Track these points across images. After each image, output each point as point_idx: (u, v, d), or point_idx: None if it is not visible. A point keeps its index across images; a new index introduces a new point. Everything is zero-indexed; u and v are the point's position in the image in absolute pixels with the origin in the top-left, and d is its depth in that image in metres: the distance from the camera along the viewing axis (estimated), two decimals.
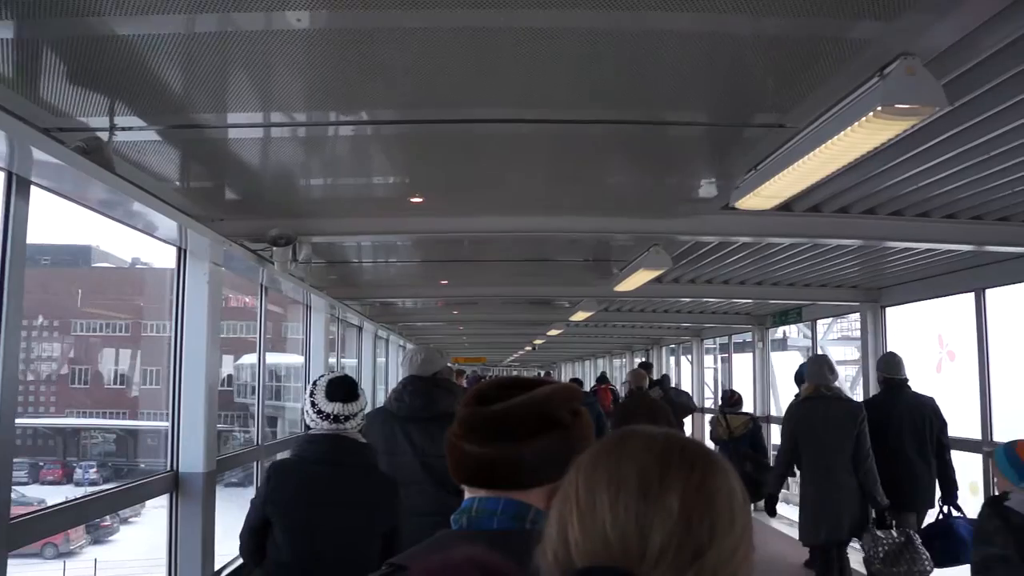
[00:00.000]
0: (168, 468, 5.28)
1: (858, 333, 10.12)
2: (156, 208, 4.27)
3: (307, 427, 3.46)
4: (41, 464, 43.52)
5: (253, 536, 3.38)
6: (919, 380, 6.68)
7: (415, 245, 7.07)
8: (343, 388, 3.39)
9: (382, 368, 16.27)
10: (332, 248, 7.17)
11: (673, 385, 14.29)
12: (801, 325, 13.08)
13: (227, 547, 5.26)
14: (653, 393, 10.15)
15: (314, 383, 3.45)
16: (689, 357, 17.24)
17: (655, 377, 12.51)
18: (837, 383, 6.39)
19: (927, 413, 6.38)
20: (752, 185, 4.32)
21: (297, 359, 9.83)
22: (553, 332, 14.94)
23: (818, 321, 11.81)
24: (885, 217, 5.61)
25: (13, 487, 3.26)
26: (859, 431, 6.03)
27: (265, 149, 4.65)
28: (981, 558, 3.55)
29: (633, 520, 0.94)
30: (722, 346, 16.13)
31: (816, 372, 6.41)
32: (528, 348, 22.52)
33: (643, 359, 17.77)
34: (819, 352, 11.43)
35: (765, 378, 12.93)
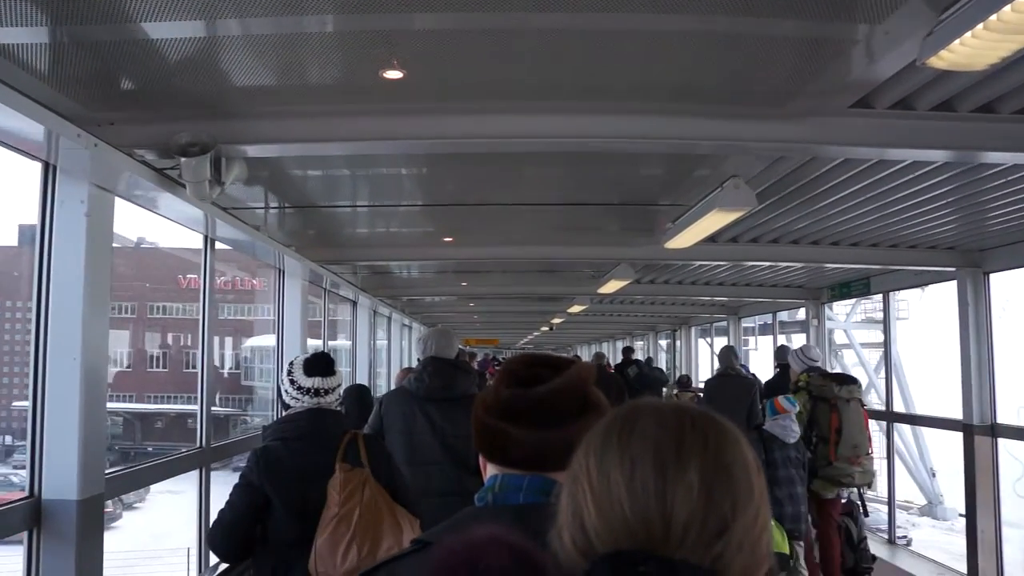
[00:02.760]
0: (28, 494, 3.48)
1: (881, 315, 9.92)
2: (10, 103, 2.87)
3: (285, 407, 3.39)
4: None
5: (249, 521, 3.22)
6: None
7: (405, 166, 5.11)
8: (321, 362, 3.37)
9: (383, 351, 14.53)
10: (292, 181, 5.23)
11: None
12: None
13: None
14: (631, 371, 12.85)
15: (290, 363, 3.42)
16: (724, 339, 15.39)
17: (640, 358, 15.07)
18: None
19: None
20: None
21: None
22: (575, 308, 13.02)
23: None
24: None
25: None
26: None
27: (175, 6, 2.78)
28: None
29: (652, 499, 0.90)
30: (762, 327, 14.32)
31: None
32: (545, 328, 20.97)
33: (627, 344, 18.06)
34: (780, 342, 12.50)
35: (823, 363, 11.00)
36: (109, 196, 3.71)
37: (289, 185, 5.34)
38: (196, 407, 5.42)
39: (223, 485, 4.70)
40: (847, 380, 6.49)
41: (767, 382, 8.42)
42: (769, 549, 0.95)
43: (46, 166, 3.54)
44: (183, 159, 3.42)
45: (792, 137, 3.73)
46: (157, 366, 46.55)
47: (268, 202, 5.66)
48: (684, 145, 3.91)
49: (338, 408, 3.44)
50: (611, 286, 9.44)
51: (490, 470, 1.53)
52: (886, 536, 8.81)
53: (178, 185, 3.78)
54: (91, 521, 3.55)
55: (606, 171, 5.07)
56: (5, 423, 38.84)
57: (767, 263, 8.11)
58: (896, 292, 9.75)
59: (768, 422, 5.79)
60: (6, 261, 42.36)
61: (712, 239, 6.53)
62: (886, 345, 9.13)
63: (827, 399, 6.26)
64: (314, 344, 8.31)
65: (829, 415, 6.20)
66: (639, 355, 20.94)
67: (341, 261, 8.08)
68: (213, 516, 3.38)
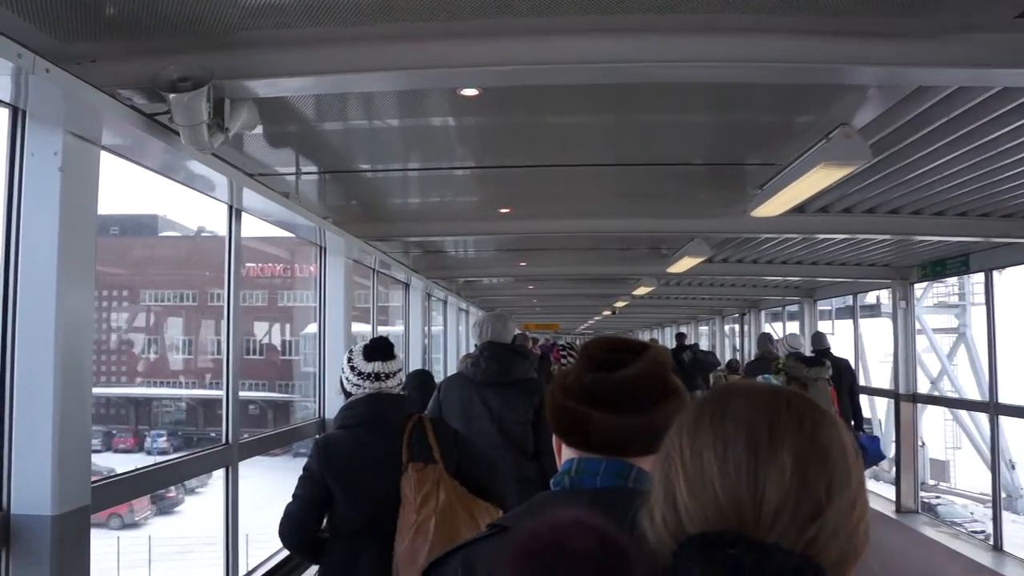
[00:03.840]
0: None
1: (956, 299, 8.98)
2: None
3: (347, 395, 3.35)
4: (114, 432, 43.65)
5: (315, 512, 3.20)
6: None
7: (454, 114, 4.28)
8: (381, 347, 3.35)
9: (439, 338, 14.04)
10: (325, 139, 4.52)
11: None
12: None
13: None
14: (686, 356, 13.38)
15: (350, 350, 3.41)
16: (797, 323, 14.42)
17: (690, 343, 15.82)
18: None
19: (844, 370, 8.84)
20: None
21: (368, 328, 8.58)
22: (641, 290, 12.13)
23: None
24: None
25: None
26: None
27: None
28: None
29: (745, 480, 0.89)
30: (839, 310, 13.36)
31: (762, 343, 10.21)
32: (607, 312, 20.00)
33: (681, 331, 18.52)
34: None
35: (910, 350, 10.05)
36: (91, 148, 3.04)
37: (322, 145, 4.64)
38: (255, 393, 4.87)
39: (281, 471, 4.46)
40: (815, 363, 7.55)
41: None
42: (867, 538, 0.92)
43: (14, 112, 2.89)
44: (172, 96, 2.73)
45: (937, 59, 2.89)
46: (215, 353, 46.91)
47: (299, 166, 4.99)
48: (794, 72, 3.07)
49: (400, 393, 3.39)
50: (682, 264, 8.58)
51: (566, 453, 1.51)
52: (991, 542, 7.86)
53: (169, 131, 3.09)
54: (72, 538, 2.91)
55: (687, 118, 4.27)
56: None
57: (860, 236, 7.14)
58: (999, 270, 8.74)
59: None
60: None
61: (800, 209, 5.71)
62: (989, 331, 8.14)
63: (798, 379, 7.17)
64: (361, 330, 7.70)
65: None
66: (703, 342, 20.40)
67: (388, 237, 7.31)
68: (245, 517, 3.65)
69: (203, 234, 49.54)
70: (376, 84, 3.28)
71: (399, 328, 10.79)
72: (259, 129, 3.89)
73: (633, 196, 6.22)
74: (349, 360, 3.36)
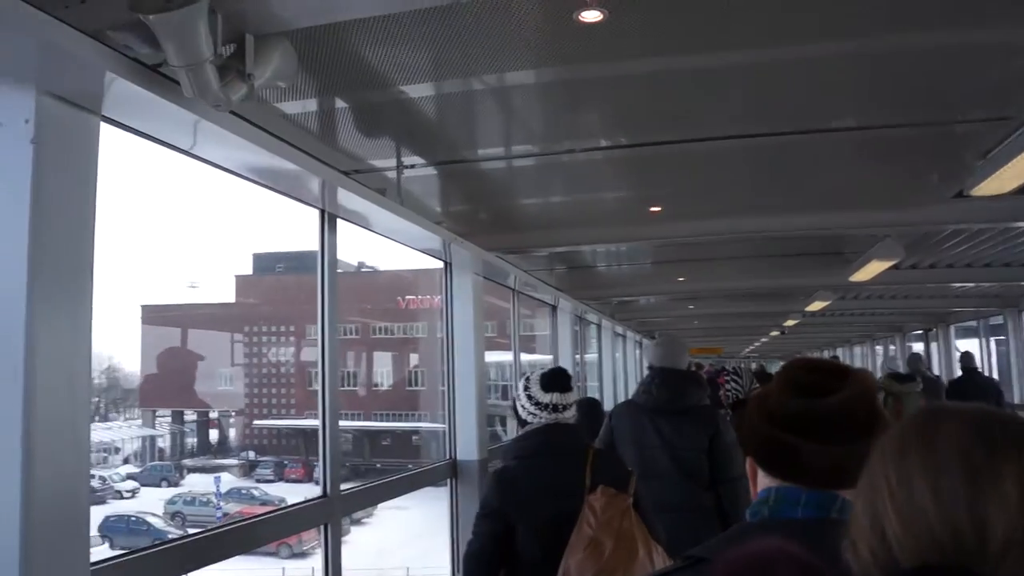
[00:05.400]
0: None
1: None
2: None
3: (522, 423, 3.31)
4: (285, 463, 45.00)
5: (495, 548, 3.12)
6: None
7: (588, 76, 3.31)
8: (559, 377, 3.32)
9: (593, 366, 13.18)
10: (426, 121, 3.65)
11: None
12: None
13: None
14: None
15: (526, 378, 3.38)
16: (1000, 338, 12.63)
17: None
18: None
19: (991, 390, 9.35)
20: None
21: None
22: (815, 306, 10.79)
23: None
24: None
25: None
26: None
27: None
28: None
29: (963, 508, 0.83)
30: None
31: (913, 363, 9.38)
32: (775, 333, 18.73)
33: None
34: None
35: None
36: (84, 117, 2.26)
37: (424, 127, 3.79)
38: (420, 424, 4.36)
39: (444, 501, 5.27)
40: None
41: (951, 383, 9.85)
42: None
43: None
44: (154, 17, 1.89)
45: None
46: (382, 384, 47.57)
47: (401, 158, 4.17)
48: None
49: (575, 423, 3.34)
50: (868, 271, 7.33)
51: (762, 481, 1.45)
52: None
53: (168, 80, 2.24)
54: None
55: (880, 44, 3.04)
56: None
57: None
58: None
59: None
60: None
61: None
62: None
63: (893, 394, 7.18)
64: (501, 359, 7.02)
65: (894, 406, 6.92)
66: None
67: (522, 248, 6.38)
68: None
69: (363, 269, 50.62)
70: None
71: (544, 357, 9.96)
72: (340, 103, 3.09)
73: (807, 180, 5.04)
74: (526, 389, 3.32)
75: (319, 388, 4.05)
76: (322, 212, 4.07)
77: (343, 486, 4.02)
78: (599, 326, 13.18)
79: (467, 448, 5.71)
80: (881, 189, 5.23)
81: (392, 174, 4.31)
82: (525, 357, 8.80)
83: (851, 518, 0.93)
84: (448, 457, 5.72)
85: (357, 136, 3.85)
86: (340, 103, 3.46)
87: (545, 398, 3.25)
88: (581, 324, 11.70)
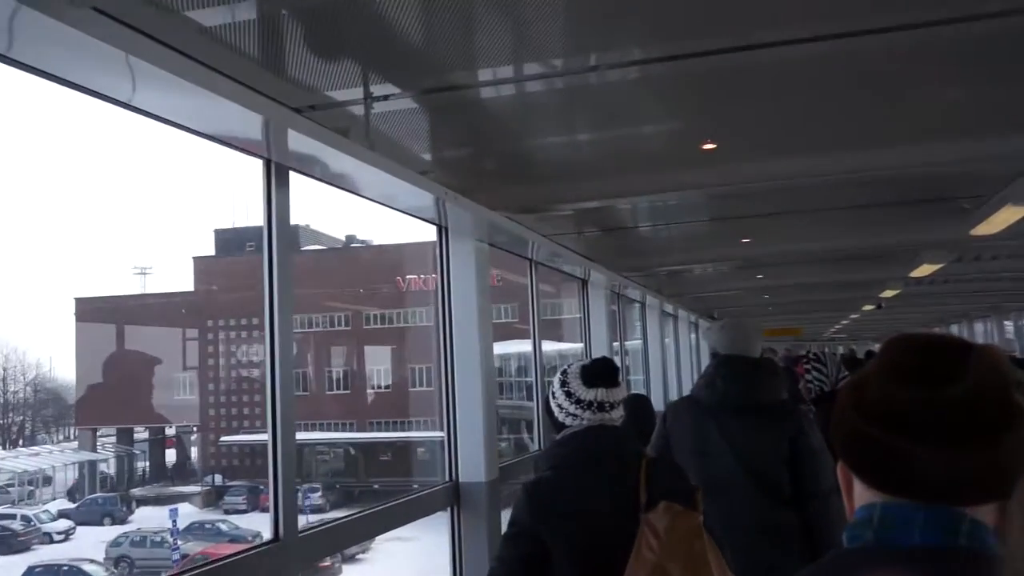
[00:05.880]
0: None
1: None
2: None
3: (559, 427, 3.35)
4: (262, 488, 45.50)
5: (528, 570, 3.14)
6: None
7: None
8: (605, 370, 3.35)
9: (636, 354, 13.60)
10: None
11: None
12: None
13: None
14: None
15: (563, 371, 3.40)
16: None
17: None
18: None
19: None
20: None
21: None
22: (924, 270, 10.94)
23: None
24: None
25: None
26: None
27: None
28: None
29: None
30: None
31: None
32: (868, 307, 19.17)
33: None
34: None
35: None
36: None
37: (401, 42, 3.62)
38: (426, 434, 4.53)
39: None
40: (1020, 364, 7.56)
41: None
42: None
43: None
44: None
45: None
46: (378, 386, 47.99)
47: (369, 86, 4.05)
48: None
49: (622, 426, 3.39)
50: (1000, 219, 7.22)
51: (861, 494, 1.43)
52: None
53: None
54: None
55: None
56: None
57: None
58: None
59: None
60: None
61: None
62: None
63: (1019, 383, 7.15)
64: (517, 350, 6.97)
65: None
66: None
67: (539, 207, 6.40)
68: None
69: (353, 244, 50.88)
70: None
71: (574, 345, 10.02)
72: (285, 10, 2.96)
73: (914, 99, 4.80)
74: (564, 384, 3.34)
75: (267, 395, 3.92)
76: (267, 162, 3.95)
77: (318, 518, 3.88)
78: (643, 304, 13.43)
79: (472, 467, 5.66)
80: (1019, 107, 4.90)
81: (358, 108, 4.15)
82: (548, 346, 8.73)
83: (1010, 552, 0.91)
84: (448, 479, 5.66)
85: (310, 57, 3.66)
86: (285, 10, 3.28)
87: (588, 395, 3.28)
88: (620, 302, 11.84)
